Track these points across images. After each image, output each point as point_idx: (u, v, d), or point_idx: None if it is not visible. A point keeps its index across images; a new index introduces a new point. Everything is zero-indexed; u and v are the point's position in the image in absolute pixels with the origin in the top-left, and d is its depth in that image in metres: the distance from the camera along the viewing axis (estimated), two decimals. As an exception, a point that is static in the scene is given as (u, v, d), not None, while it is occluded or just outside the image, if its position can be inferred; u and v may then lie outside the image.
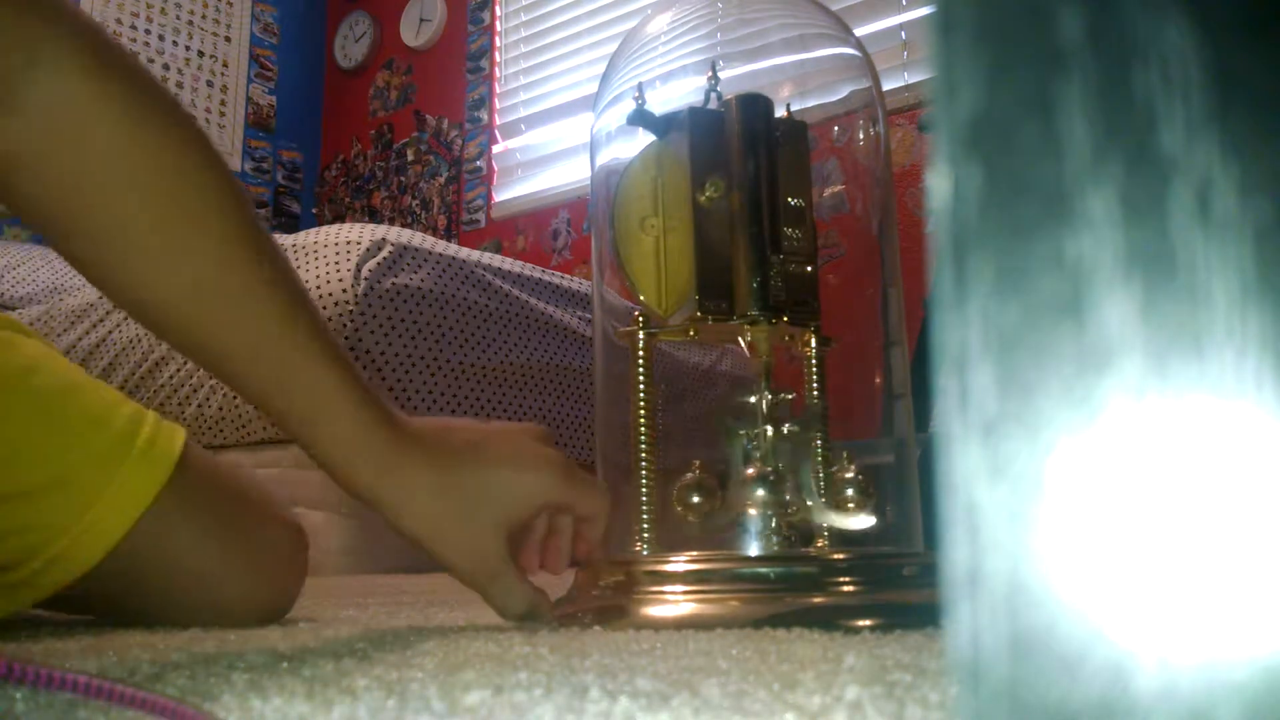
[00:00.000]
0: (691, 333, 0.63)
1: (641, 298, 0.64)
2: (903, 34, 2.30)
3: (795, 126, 0.65)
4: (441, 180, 3.47)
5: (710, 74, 0.67)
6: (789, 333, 0.64)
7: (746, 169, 0.62)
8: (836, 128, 0.72)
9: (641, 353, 0.63)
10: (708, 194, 0.62)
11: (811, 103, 0.69)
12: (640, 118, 0.65)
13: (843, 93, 0.72)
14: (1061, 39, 0.17)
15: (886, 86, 2.30)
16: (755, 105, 0.63)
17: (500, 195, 3.25)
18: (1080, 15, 0.17)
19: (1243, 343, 0.17)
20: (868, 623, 0.53)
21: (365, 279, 1.66)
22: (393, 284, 1.69)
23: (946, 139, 0.17)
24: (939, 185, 0.17)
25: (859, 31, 2.33)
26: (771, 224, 0.62)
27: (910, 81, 2.28)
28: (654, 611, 0.56)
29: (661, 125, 0.65)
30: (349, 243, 1.69)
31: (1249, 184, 0.17)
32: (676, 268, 0.63)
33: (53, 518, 0.58)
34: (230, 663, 0.43)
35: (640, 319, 0.63)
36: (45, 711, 0.32)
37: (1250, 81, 0.17)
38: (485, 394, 1.82)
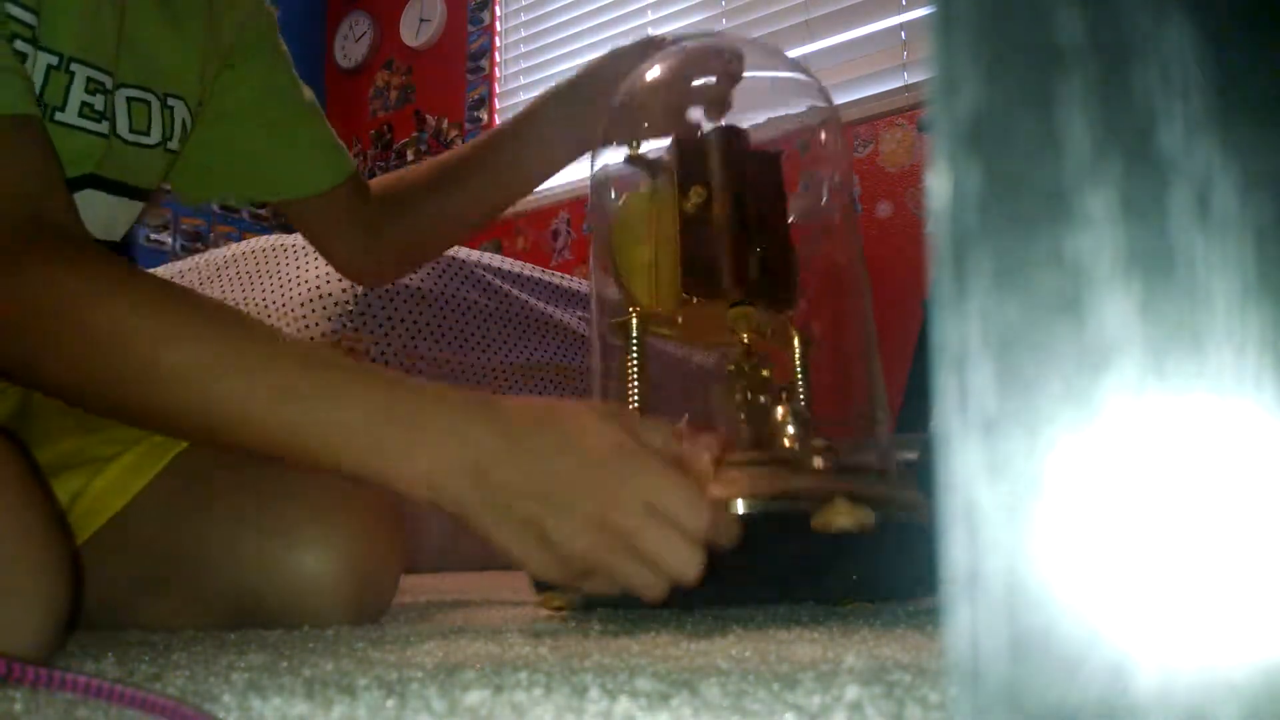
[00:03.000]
0: (679, 320, 0.68)
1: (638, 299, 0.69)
2: (903, 34, 2.29)
3: (769, 154, 0.72)
4: (441, 180, 3.47)
5: (699, 120, 0.76)
6: (769, 322, 0.68)
7: (725, 179, 0.68)
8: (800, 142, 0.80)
9: (635, 341, 0.67)
10: (692, 200, 0.67)
11: (779, 113, 0.78)
12: (635, 161, 0.72)
13: (803, 106, 0.80)
14: (1061, 38, 0.17)
15: (886, 87, 2.30)
16: (731, 132, 0.71)
17: (500, 195, 3.25)
18: (1080, 14, 0.17)
19: (1242, 342, 0.17)
20: (847, 510, 0.56)
21: (365, 279, 1.66)
22: (392, 284, 1.69)
23: (946, 138, 0.17)
24: (939, 184, 0.17)
25: (858, 31, 2.33)
26: (746, 225, 0.68)
27: (910, 81, 2.28)
28: None
29: (653, 167, 0.71)
30: (349, 243, 1.69)
31: (1249, 184, 0.17)
32: (667, 276, 0.67)
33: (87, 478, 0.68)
34: (230, 663, 0.43)
35: (632, 309, 0.68)
36: (45, 711, 0.32)
37: (1250, 81, 0.17)
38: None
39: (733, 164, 0.69)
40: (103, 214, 0.72)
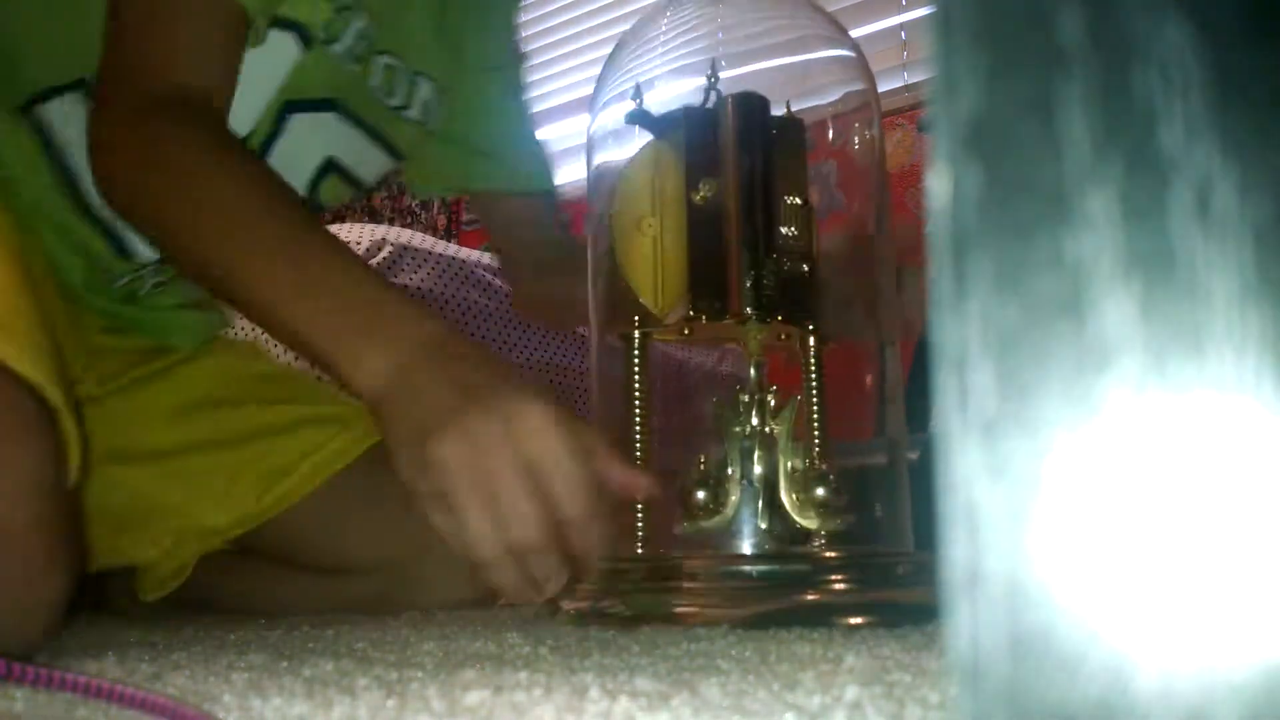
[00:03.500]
0: (686, 331, 0.62)
1: (639, 298, 0.64)
2: (903, 34, 2.29)
3: (792, 125, 0.65)
4: (441, 180, 3.45)
5: (709, 74, 0.67)
6: (784, 332, 0.63)
7: (741, 167, 0.61)
8: (831, 131, 0.73)
9: (637, 352, 0.63)
10: (702, 193, 0.61)
11: (808, 104, 0.69)
12: (637, 117, 0.65)
13: (838, 94, 0.72)
14: (1061, 39, 0.17)
15: (886, 86, 2.29)
16: (750, 104, 0.63)
17: (500, 195, 3.25)
18: (1080, 15, 0.17)
19: (1242, 342, 0.17)
20: (860, 620, 0.53)
21: (365, 279, 1.65)
22: (392, 284, 1.69)
23: (946, 139, 0.17)
24: (939, 185, 0.17)
25: (858, 32, 2.33)
26: (766, 223, 0.62)
27: (910, 81, 2.27)
28: (647, 609, 0.56)
29: (659, 125, 0.65)
30: (348, 243, 1.69)
31: (1249, 184, 0.17)
32: (673, 268, 0.62)
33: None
34: (230, 663, 0.43)
35: (636, 318, 0.63)
36: (45, 711, 0.32)
37: (1250, 81, 0.17)
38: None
39: (749, 147, 0.61)
40: (344, 143, 0.83)
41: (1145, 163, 0.17)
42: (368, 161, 0.88)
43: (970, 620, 0.16)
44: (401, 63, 0.84)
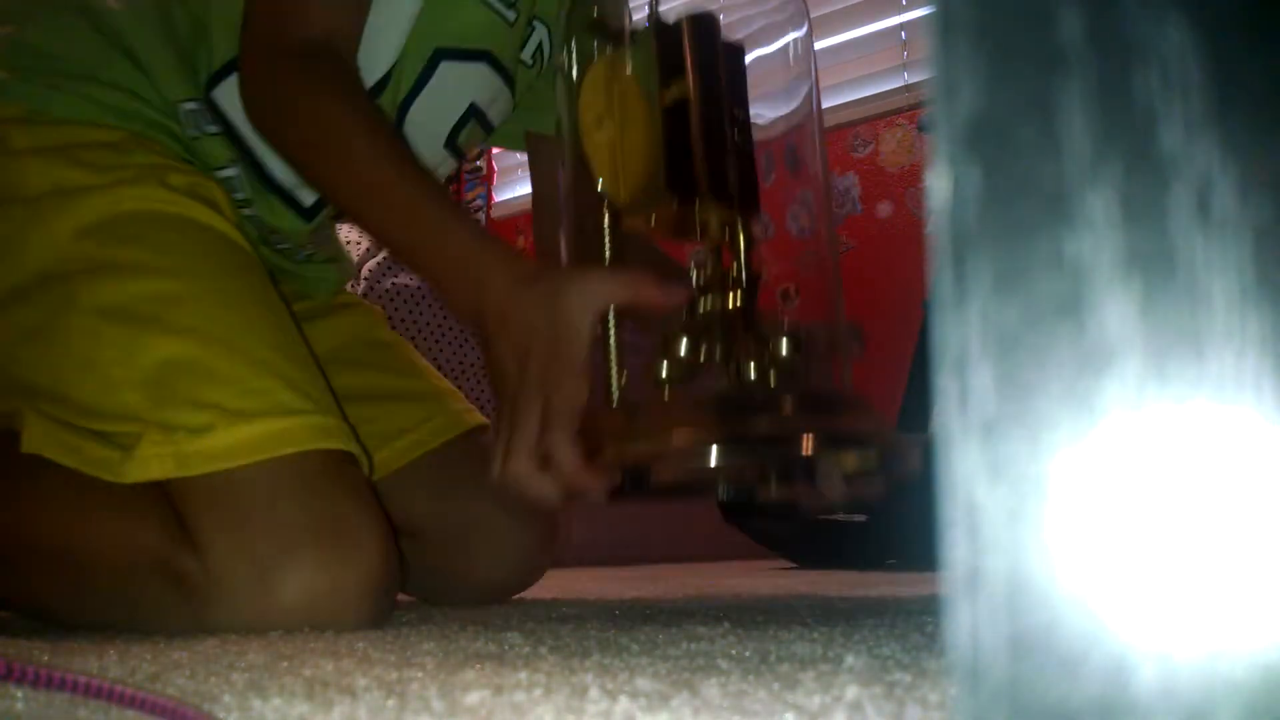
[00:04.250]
0: (652, 220, 0.68)
1: (602, 188, 0.70)
2: (903, 34, 2.29)
3: (734, 48, 0.72)
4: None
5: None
6: (738, 218, 0.68)
7: (702, 74, 0.68)
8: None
9: (609, 236, 0.68)
10: (672, 94, 0.67)
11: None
12: (597, 27, 0.72)
13: (780, 42, 0.78)
14: (1061, 39, 0.17)
15: (886, 86, 2.29)
16: (706, 22, 0.70)
17: (500, 195, 3.24)
18: (1080, 15, 0.17)
19: (1242, 343, 0.17)
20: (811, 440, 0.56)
21: (365, 279, 1.66)
22: (393, 284, 1.69)
23: (946, 139, 0.17)
24: (939, 185, 0.17)
25: (858, 32, 2.33)
26: (721, 123, 0.68)
27: (910, 81, 2.27)
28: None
29: (616, 37, 0.71)
30: (349, 242, 1.69)
31: (1249, 184, 0.17)
32: (632, 159, 0.69)
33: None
34: (230, 663, 0.43)
35: (605, 205, 0.69)
36: (45, 711, 0.32)
37: (1250, 81, 0.17)
38: (485, 393, 1.82)
39: (711, 56, 0.69)
40: (487, 89, 0.87)
41: (1145, 163, 0.17)
42: (500, 107, 0.91)
43: (970, 620, 0.16)
44: (531, 8, 0.88)
